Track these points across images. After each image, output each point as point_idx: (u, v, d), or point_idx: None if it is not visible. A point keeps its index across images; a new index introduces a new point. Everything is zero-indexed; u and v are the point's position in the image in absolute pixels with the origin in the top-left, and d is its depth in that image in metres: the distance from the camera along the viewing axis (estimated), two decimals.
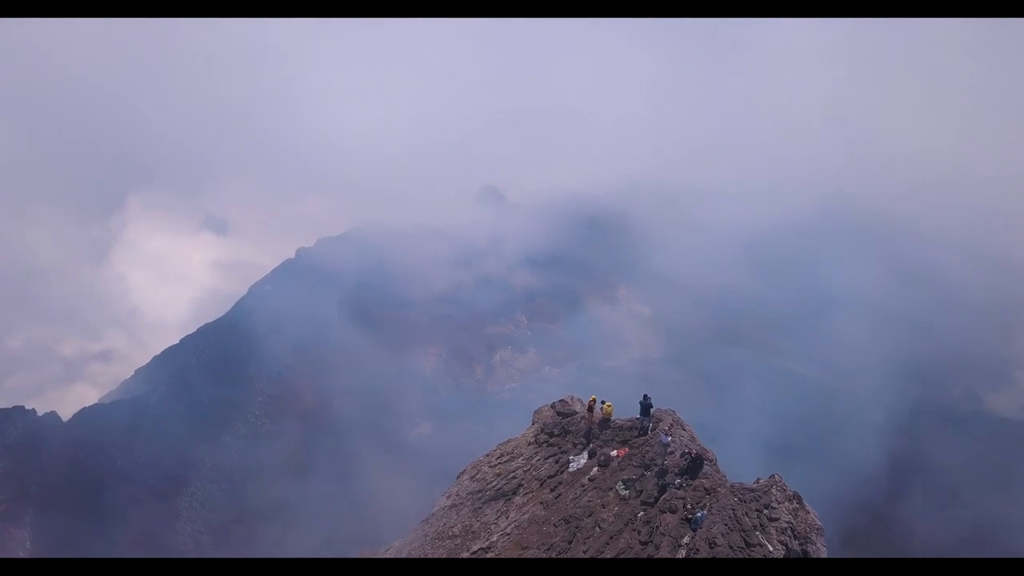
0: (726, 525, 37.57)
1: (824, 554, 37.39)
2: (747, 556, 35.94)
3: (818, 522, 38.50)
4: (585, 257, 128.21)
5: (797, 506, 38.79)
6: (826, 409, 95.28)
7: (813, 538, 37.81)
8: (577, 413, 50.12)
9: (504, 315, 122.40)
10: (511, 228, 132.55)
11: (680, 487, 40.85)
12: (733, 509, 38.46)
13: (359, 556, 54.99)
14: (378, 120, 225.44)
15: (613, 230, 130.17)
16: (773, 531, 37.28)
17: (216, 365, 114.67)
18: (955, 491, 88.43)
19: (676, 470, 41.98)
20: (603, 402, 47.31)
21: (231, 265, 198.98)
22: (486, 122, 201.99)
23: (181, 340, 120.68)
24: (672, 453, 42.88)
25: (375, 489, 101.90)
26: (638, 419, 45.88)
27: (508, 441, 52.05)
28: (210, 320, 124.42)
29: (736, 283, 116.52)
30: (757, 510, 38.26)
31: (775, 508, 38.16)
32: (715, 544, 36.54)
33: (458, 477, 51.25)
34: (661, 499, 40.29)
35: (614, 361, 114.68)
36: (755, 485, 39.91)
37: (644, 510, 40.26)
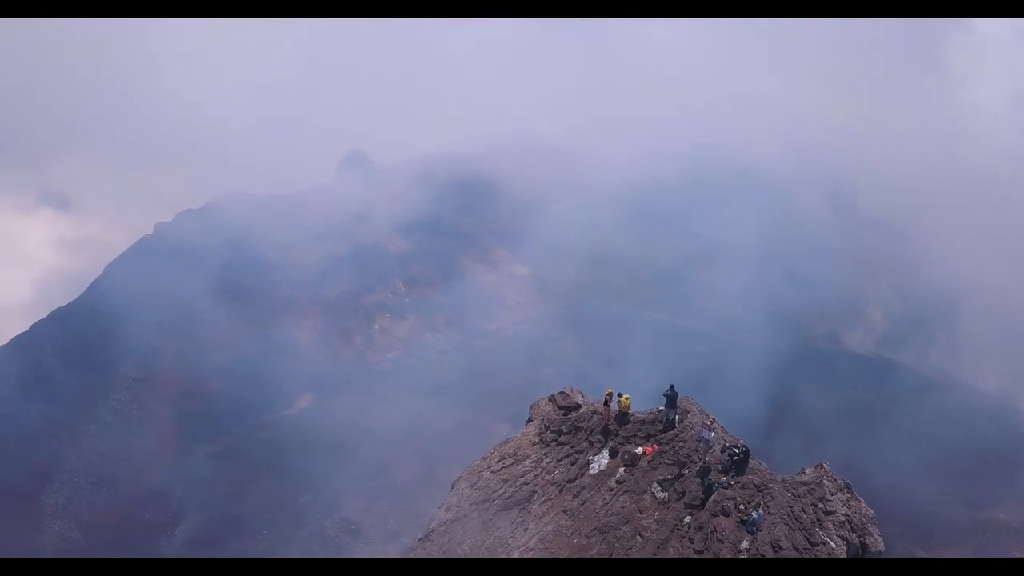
0: (787, 525, 35.09)
1: (881, 544, 36.20)
2: (813, 556, 34.25)
3: (870, 510, 36.80)
4: (461, 220, 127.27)
5: (849, 496, 37.10)
6: (708, 359, 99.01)
7: (869, 528, 36.29)
8: (580, 406, 45.40)
9: (380, 283, 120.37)
10: (382, 193, 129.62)
11: (728, 486, 37.25)
12: (790, 506, 35.93)
13: None
14: (232, 86, 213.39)
15: (488, 192, 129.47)
16: (831, 526, 35.29)
17: (73, 352, 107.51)
18: (822, 430, 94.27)
19: (719, 467, 38.14)
20: (620, 395, 42.94)
21: (77, 243, 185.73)
22: (350, 85, 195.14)
23: (31, 327, 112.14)
24: (712, 448, 39.06)
25: (258, 467, 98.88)
26: (661, 411, 41.94)
27: (507, 442, 46.64)
28: (61, 304, 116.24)
29: (616, 241, 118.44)
30: (812, 504, 36.04)
31: (830, 500, 36.28)
32: (779, 547, 34.35)
33: (454, 486, 45.66)
34: (710, 501, 36.83)
35: (495, 323, 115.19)
36: (806, 478, 37.57)
37: (691, 514, 36.79)
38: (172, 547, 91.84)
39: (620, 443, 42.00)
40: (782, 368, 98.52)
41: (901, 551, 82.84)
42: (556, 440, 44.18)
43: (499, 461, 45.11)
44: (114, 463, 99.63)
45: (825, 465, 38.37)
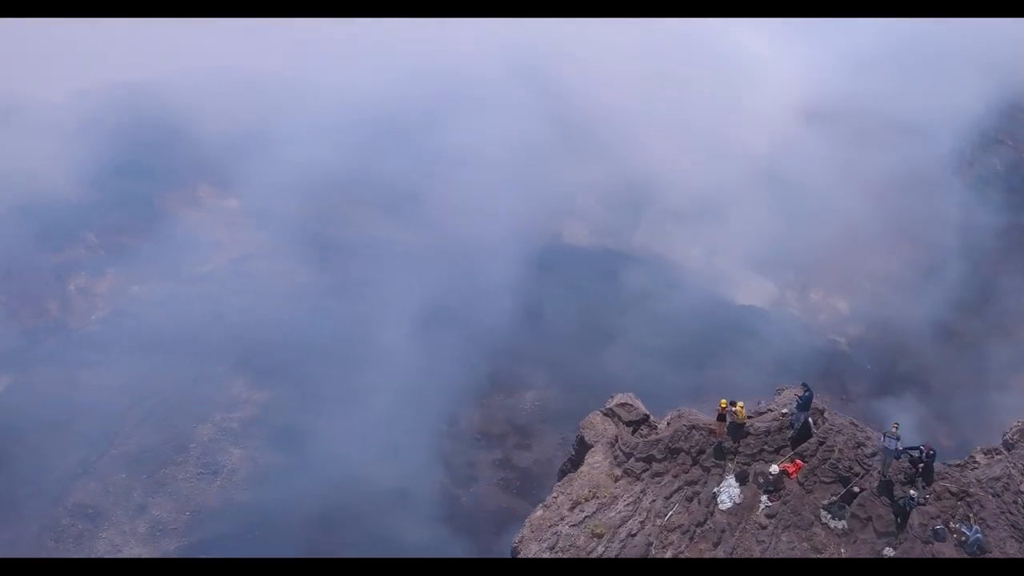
0: (1015, 539, 29.96)
1: None
2: None
3: None
4: (152, 159, 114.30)
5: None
6: (459, 279, 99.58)
7: None
8: (649, 417, 37.86)
9: (68, 239, 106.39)
10: (52, 138, 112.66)
11: (924, 501, 31.27)
12: (1002, 512, 30.88)
13: None
14: None
15: (183, 126, 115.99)
16: None
17: None
18: (567, 334, 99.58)
19: (902, 477, 31.73)
20: (733, 403, 35.50)
21: None
22: None
23: None
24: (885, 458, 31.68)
25: None
26: (788, 415, 34.87)
27: (570, 480, 36.26)
28: None
29: (346, 165, 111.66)
30: (1013, 502, 31.04)
31: (1023, 491, 31.33)
32: None
33: (517, 553, 34.00)
34: (915, 523, 30.13)
35: (209, 265, 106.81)
36: (995, 471, 31.92)
37: (889, 544, 30.13)
38: None
39: (745, 463, 34.29)
40: (527, 276, 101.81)
41: None
42: (648, 469, 35.34)
43: (574, 509, 34.73)
44: None
45: (1003, 450, 33.73)
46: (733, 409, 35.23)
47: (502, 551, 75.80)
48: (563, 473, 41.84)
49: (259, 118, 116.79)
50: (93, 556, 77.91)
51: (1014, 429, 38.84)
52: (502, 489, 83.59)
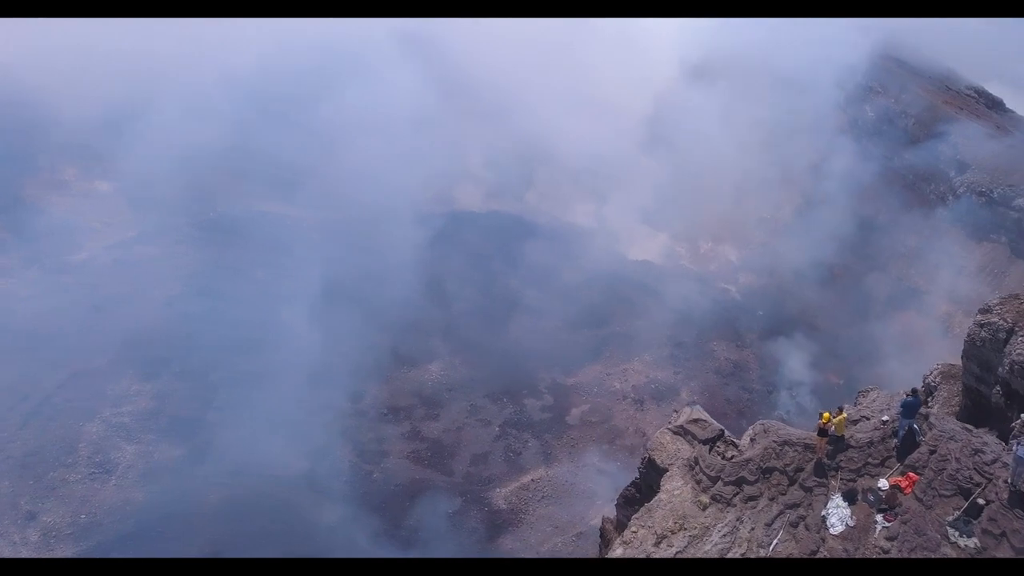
0: None
1: None
2: None
3: None
4: (7, 142, 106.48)
5: None
6: (357, 248, 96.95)
7: None
8: (724, 433, 33.95)
9: None
10: None
11: None
12: None
13: None
14: None
15: (40, 105, 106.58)
16: None
17: None
18: (463, 297, 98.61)
19: None
20: (839, 407, 31.68)
21: None
22: None
23: None
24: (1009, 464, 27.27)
25: None
26: (890, 422, 30.91)
27: (646, 510, 31.45)
28: None
29: (227, 139, 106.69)
30: None
31: None
32: None
33: None
34: None
35: (83, 253, 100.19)
36: None
37: None
38: None
39: (850, 480, 29.78)
40: (423, 245, 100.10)
41: (551, 383, 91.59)
42: (739, 493, 30.88)
43: (660, 544, 30.19)
44: None
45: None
46: (833, 421, 31.50)
47: (415, 525, 75.41)
48: (629, 500, 38.13)
49: (128, 96, 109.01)
50: None
51: (935, 372, 39.22)
52: (413, 461, 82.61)
